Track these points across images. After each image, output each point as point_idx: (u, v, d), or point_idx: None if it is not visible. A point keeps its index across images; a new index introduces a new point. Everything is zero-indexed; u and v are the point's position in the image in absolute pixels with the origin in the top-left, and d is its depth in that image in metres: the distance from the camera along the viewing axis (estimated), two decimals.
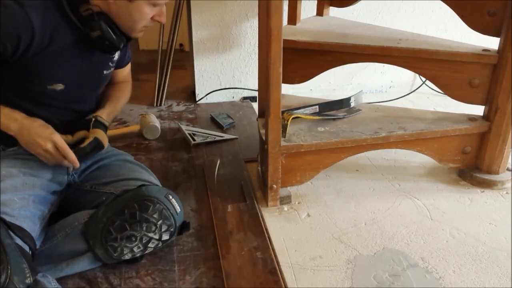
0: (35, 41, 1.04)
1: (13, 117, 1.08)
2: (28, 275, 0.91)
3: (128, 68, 1.43)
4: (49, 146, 1.09)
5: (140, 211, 1.09)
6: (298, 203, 1.43)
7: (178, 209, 1.16)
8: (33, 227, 1.04)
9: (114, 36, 1.13)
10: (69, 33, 1.10)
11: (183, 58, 2.78)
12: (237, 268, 1.14)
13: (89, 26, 1.10)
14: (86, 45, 1.14)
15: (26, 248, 0.97)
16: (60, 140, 1.11)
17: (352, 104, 1.59)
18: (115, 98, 1.34)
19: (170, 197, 1.15)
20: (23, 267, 0.91)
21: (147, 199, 1.11)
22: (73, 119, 1.23)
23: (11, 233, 0.94)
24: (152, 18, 1.15)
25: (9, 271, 0.88)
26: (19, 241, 0.95)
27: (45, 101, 1.15)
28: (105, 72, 1.26)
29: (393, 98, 2.25)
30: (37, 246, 1.05)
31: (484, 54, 1.38)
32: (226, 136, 1.85)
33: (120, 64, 1.35)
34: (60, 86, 1.14)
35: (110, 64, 1.27)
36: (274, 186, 1.37)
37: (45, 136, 1.09)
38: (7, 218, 0.97)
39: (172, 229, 1.14)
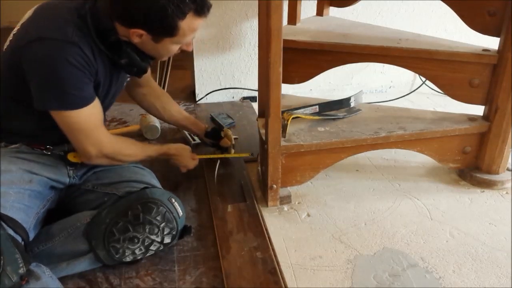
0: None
1: (164, 153, 1.38)
2: (21, 265, 0.91)
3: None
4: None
5: (144, 213, 1.09)
6: (298, 203, 1.43)
7: (180, 212, 1.16)
8: (26, 219, 1.04)
9: (142, 63, 1.16)
10: (104, 62, 1.12)
11: (183, 58, 2.76)
12: (237, 268, 1.14)
13: (117, 54, 1.12)
14: (114, 68, 1.17)
15: (19, 239, 0.97)
16: (196, 163, 1.47)
17: (352, 104, 1.59)
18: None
19: (173, 201, 1.16)
20: (15, 257, 0.91)
21: (151, 201, 1.11)
22: None
23: (3, 224, 0.95)
24: (179, 48, 1.18)
25: (1, 262, 0.87)
26: (11, 232, 0.96)
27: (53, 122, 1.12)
28: (124, 84, 1.32)
29: (393, 98, 2.25)
30: (30, 239, 1.05)
31: (484, 54, 1.38)
32: None
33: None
34: None
35: (128, 77, 1.31)
36: (274, 186, 1.37)
37: (192, 165, 1.45)
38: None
39: (174, 232, 1.15)
